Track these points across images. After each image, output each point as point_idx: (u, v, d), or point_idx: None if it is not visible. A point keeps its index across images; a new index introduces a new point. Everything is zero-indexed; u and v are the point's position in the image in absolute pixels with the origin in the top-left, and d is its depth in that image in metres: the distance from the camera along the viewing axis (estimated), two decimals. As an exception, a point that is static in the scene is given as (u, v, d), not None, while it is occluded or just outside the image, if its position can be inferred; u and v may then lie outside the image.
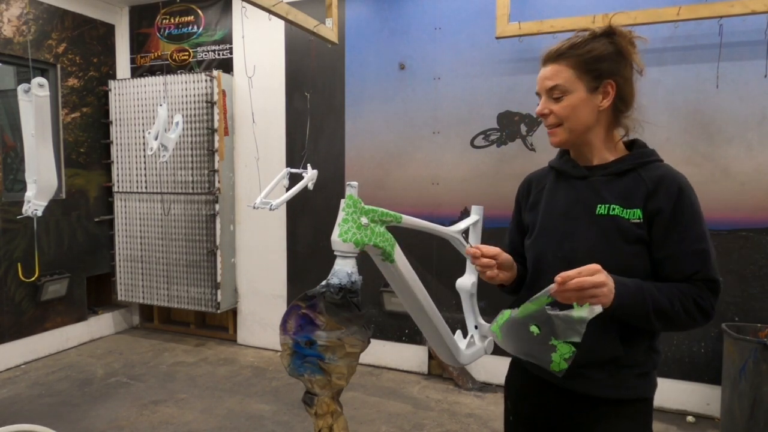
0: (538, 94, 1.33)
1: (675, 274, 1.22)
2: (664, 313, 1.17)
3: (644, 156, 1.29)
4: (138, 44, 4.92)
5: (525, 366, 1.39)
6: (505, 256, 1.36)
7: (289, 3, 3.46)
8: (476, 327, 2.42)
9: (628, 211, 1.24)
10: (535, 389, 1.38)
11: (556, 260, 1.29)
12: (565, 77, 1.26)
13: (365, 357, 2.96)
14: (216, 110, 4.38)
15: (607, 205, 1.25)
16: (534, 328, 1.15)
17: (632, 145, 1.35)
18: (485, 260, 1.32)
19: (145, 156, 4.66)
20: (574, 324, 1.09)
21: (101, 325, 4.87)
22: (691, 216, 1.22)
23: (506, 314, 1.21)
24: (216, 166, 4.41)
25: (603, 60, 1.25)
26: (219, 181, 4.43)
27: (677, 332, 3.34)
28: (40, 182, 2.96)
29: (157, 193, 4.65)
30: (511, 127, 3.70)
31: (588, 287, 1.08)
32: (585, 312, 1.09)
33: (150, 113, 4.58)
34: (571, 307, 1.10)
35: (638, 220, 1.23)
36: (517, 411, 1.47)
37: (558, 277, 1.08)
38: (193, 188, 4.51)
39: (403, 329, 4.09)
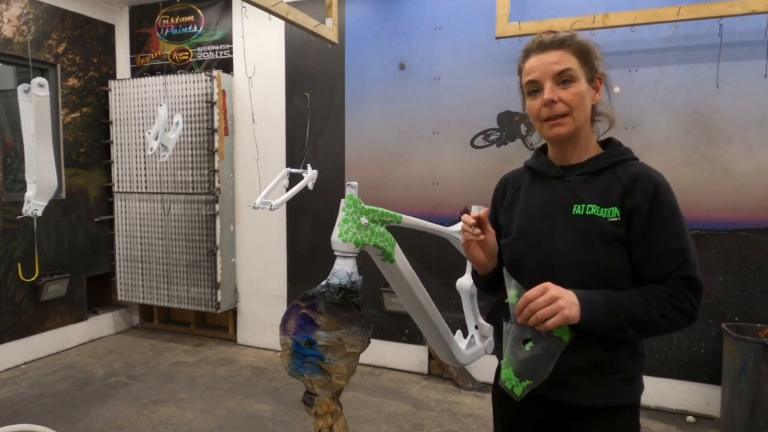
0: (532, 82, 1.28)
1: (654, 273, 1.18)
2: (640, 322, 1.15)
3: (620, 154, 1.28)
4: (138, 44, 4.92)
5: None
6: (492, 236, 1.33)
7: (289, 3, 3.46)
8: (476, 327, 2.42)
9: (605, 209, 1.21)
10: (522, 400, 1.32)
11: (533, 263, 1.26)
12: (572, 63, 1.24)
13: (365, 357, 2.96)
14: (216, 110, 4.38)
15: (583, 205, 1.23)
16: (529, 345, 1.18)
17: (607, 144, 1.34)
18: (471, 223, 1.28)
19: (145, 156, 4.66)
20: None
21: (101, 325, 4.87)
22: (669, 213, 1.19)
23: (508, 361, 1.23)
24: (216, 166, 4.41)
25: (592, 54, 1.27)
26: (219, 181, 4.43)
27: (672, 335, 3.35)
28: (40, 182, 2.96)
29: (157, 193, 4.65)
30: (511, 127, 3.70)
31: (541, 307, 1.11)
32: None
33: (150, 113, 4.58)
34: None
35: (616, 219, 1.20)
36: (505, 421, 1.43)
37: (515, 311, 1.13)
38: (193, 188, 4.51)
39: (403, 329, 4.09)
